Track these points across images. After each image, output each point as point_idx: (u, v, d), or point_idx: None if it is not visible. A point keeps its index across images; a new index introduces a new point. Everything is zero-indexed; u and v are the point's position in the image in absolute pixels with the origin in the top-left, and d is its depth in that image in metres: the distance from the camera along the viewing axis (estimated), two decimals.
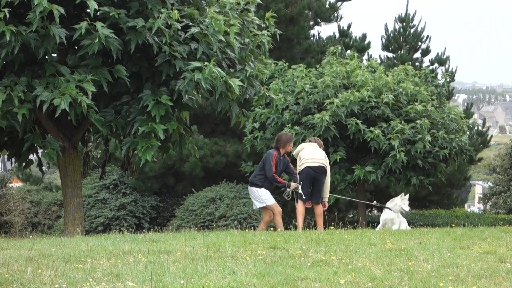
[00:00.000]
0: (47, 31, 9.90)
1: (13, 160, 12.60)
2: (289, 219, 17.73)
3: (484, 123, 28.42)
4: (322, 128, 15.72)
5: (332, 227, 11.37)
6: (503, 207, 28.40)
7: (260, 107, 16.88)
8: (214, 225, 18.44)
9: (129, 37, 10.31)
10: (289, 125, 16.40)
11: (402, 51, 27.35)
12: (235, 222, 18.87)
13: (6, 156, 12.61)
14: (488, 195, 30.32)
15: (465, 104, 32.83)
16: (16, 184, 30.54)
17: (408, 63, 20.44)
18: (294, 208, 12.03)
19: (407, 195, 13.09)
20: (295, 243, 8.01)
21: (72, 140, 11.79)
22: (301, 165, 11.74)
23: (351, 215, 23.98)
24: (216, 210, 19.60)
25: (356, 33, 27.06)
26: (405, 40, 27.47)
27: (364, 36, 26.63)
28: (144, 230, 13.03)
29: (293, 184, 11.87)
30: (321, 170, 11.69)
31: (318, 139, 12.47)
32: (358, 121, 15.87)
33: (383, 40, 27.91)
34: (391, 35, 27.72)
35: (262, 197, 11.78)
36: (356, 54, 18.66)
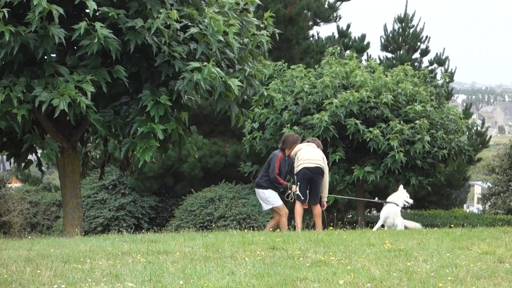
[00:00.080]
0: (46, 31, 9.89)
1: (12, 160, 12.60)
2: (288, 220, 17.69)
3: (483, 124, 28.42)
4: (321, 129, 15.71)
5: (331, 228, 11.37)
6: (502, 208, 28.38)
7: (259, 107, 16.88)
8: (213, 225, 18.43)
9: (128, 37, 10.31)
10: (288, 125, 16.39)
11: (401, 52, 27.35)
12: (234, 222, 18.86)
13: (5, 157, 12.61)
14: (487, 195, 30.29)
15: (464, 104, 32.89)
16: (15, 184, 30.54)
17: (407, 64, 20.41)
18: (292, 208, 12.02)
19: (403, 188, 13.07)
20: (294, 244, 8.01)
21: (71, 140, 11.79)
22: (298, 165, 11.73)
23: (350, 216, 23.99)
24: (215, 211, 19.59)
25: (355, 33, 27.08)
26: (404, 40, 27.48)
27: (363, 37, 26.63)
28: (143, 231, 13.02)
29: (294, 187, 11.84)
30: (317, 171, 11.68)
31: (317, 139, 12.47)
32: (357, 122, 15.86)
33: (382, 40, 27.90)
34: (390, 35, 27.72)
35: (269, 198, 11.79)
36: (355, 55, 18.66)
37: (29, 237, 13.14)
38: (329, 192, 12.49)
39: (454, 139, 16.81)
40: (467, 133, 18.71)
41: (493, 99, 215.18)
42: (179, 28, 10.62)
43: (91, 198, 22.15)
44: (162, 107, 10.58)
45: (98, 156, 15.73)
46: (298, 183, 11.71)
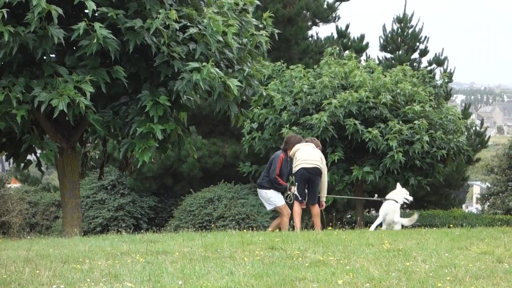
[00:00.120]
0: (45, 32, 9.90)
1: (11, 160, 12.60)
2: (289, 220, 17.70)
3: (482, 124, 28.43)
4: (320, 129, 15.72)
5: (330, 228, 11.37)
6: (501, 208, 28.39)
7: (258, 107, 16.88)
8: (212, 225, 18.42)
9: (127, 37, 10.32)
10: (287, 125, 16.40)
11: (400, 52, 27.36)
12: (233, 222, 18.86)
13: (4, 157, 12.61)
14: (486, 195, 30.30)
15: (463, 104, 32.91)
16: (14, 184, 30.50)
17: (406, 64, 20.41)
18: (291, 209, 12.02)
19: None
20: (293, 244, 8.01)
21: (70, 140, 11.79)
22: (296, 166, 11.72)
23: (349, 216, 23.99)
24: (214, 211, 19.60)
25: (354, 33, 27.23)
26: (403, 40, 27.49)
27: (362, 37, 26.64)
28: (142, 231, 13.04)
29: (293, 187, 11.83)
30: (315, 171, 11.67)
31: (315, 139, 12.45)
32: (356, 122, 15.87)
33: (381, 40, 27.91)
34: (389, 35, 27.73)
35: (271, 198, 11.81)
36: (354, 55, 18.67)
37: (28, 237, 13.15)
38: (328, 192, 12.47)
39: (453, 139, 16.82)
40: (466, 133, 18.72)
41: (492, 99, 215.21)
42: (178, 28, 10.62)
43: (90, 198, 22.15)
44: (161, 107, 10.58)
45: (97, 156, 15.74)
46: (296, 183, 11.71)
